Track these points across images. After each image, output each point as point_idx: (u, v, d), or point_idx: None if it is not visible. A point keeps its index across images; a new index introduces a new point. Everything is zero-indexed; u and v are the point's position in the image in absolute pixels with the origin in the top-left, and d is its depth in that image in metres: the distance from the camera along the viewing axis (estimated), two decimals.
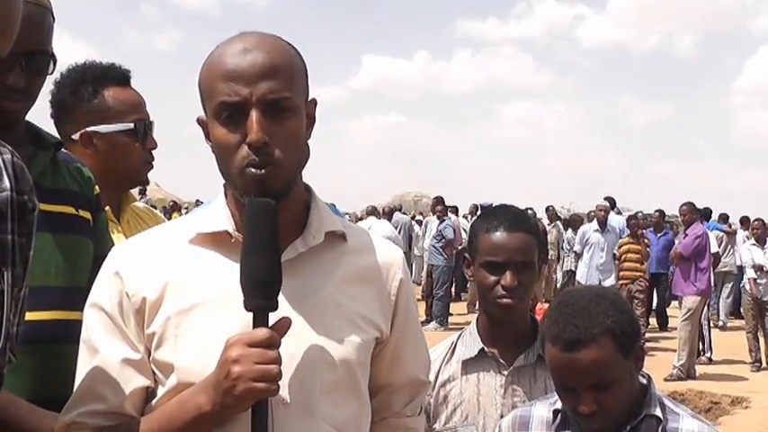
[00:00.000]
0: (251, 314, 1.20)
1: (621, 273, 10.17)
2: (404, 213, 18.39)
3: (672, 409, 1.65)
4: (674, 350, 9.16)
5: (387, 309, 1.40)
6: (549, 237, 13.88)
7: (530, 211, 13.93)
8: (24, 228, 1.14)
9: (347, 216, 15.74)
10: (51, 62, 1.64)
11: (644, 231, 11.98)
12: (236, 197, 1.29)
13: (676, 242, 10.31)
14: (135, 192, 2.42)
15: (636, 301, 9.65)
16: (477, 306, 12.53)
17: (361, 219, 15.04)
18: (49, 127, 2.02)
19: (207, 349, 1.22)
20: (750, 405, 7.83)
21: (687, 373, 8.86)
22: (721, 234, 12.96)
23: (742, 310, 11.11)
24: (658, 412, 1.61)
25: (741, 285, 10.64)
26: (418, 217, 19.61)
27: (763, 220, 10.16)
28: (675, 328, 9.76)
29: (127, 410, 1.27)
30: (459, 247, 13.41)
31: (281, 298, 1.22)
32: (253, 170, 1.21)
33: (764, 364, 9.53)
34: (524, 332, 1.96)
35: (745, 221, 13.66)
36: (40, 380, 1.55)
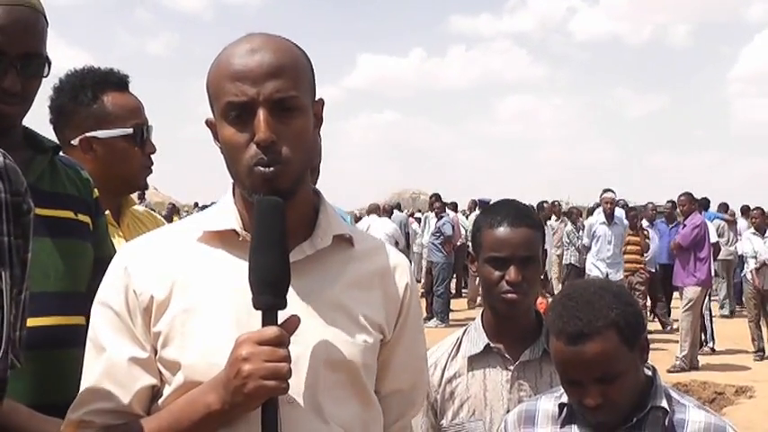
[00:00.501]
0: (259, 312, 1.19)
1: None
2: (401, 211, 18.28)
3: (678, 401, 1.65)
4: (677, 341, 9.16)
5: (392, 313, 1.39)
6: (557, 234, 13.17)
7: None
8: (20, 229, 1.13)
9: (347, 216, 15.66)
10: (46, 65, 1.63)
11: (653, 223, 11.93)
12: (243, 196, 1.30)
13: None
14: (134, 195, 2.42)
15: (637, 293, 9.66)
16: (477, 302, 12.54)
17: (360, 218, 15.00)
18: (48, 133, 2.02)
19: (214, 348, 1.22)
20: (755, 395, 7.83)
21: (690, 364, 8.85)
22: (722, 223, 12.95)
23: (744, 299, 11.11)
24: (664, 404, 1.61)
25: (742, 275, 10.63)
26: (417, 214, 19.56)
27: (762, 209, 10.09)
28: (677, 320, 9.78)
29: (134, 409, 1.27)
30: (459, 244, 13.41)
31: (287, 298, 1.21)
32: (261, 169, 1.21)
33: (767, 353, 9.54)
34: (529, 327, 1.96)
35: (746, 211, 13.62)
36: (40, 385, 1.54)
